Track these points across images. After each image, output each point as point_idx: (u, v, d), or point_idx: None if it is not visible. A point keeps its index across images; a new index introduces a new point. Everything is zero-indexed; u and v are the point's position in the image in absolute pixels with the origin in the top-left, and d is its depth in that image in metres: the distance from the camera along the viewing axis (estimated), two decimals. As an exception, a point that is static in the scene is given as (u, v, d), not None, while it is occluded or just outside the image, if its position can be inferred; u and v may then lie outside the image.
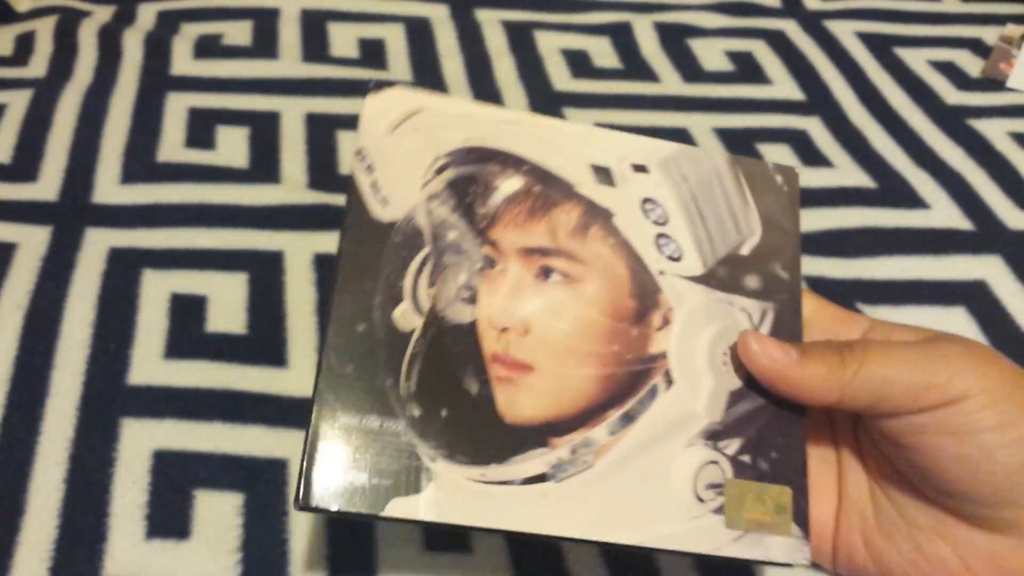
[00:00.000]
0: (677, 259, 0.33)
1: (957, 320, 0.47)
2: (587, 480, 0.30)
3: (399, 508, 0.28)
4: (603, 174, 0.34)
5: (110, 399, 0.40)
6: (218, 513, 0.37)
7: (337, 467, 0.28)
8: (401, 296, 0.31)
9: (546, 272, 0.32)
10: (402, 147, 0.32)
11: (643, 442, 0.31)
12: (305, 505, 0.28)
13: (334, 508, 0.28)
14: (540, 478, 0.30)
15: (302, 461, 0.28)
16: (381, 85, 0.33)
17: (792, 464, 0.32)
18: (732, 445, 0.31)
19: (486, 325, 0.31)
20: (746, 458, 0.31)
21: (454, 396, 0.30)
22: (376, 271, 0.31)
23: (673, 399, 0.31)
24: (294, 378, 0.42)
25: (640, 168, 0.34)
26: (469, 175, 0.33)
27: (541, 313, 0.32)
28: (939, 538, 0.30)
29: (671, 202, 0.34)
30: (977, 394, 0.28)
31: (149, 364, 0.42)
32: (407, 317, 0.31)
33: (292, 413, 0.40)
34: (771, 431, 0.32)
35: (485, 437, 0.30)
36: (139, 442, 0.39)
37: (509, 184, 0.33)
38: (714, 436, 0.31)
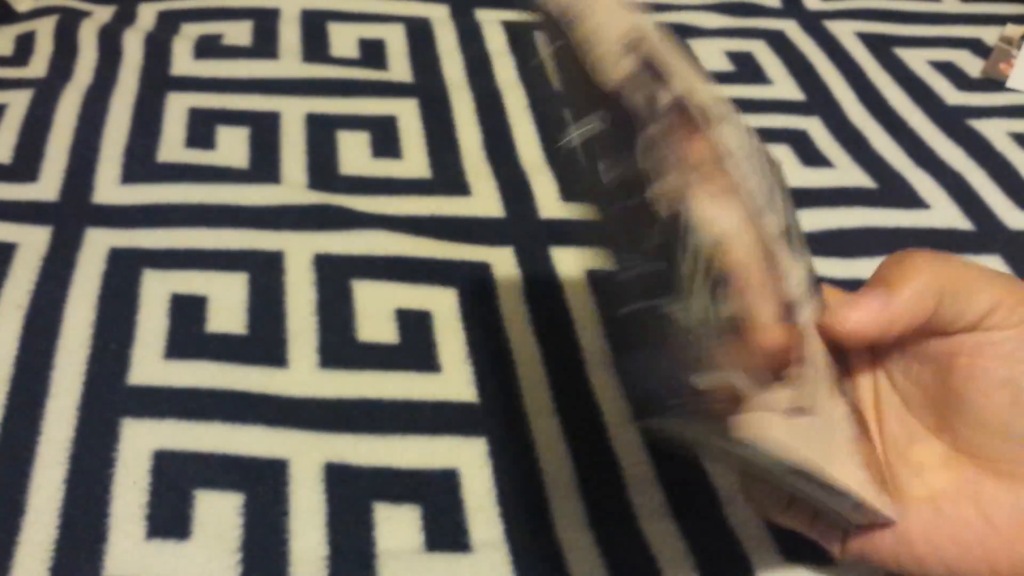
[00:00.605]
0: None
1: (957, 320, 0.47)
2: (812, 417, 0.28)
3: (751, 425, 0.24)
4: (701, 116, 0.30)
5: (110, 399, 0.40)
6: (218, 513, 0.37)
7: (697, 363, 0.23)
8: (648, 178, 0.26)
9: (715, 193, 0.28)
10: (589, 7, 0.28)
11: (816, 383, 0.29)
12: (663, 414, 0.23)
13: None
14: (795, 411, 0.27)
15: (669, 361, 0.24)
16: None
17: (865, 425, 0.31)
18: (844, 403, 0.30)
19: (707, 233, 0.26)
20: (856, 416, 0.31)
21: (715, 307, 0.25)
22: (627, 146, 0.26)
23: (815, 350, 0.30)
24: (294, 378, 0.42)
25: (720, 119, 0.31)
26: (640, 70, 0.28)
27: (733, 230, 0.27)
28: (962, 498, 0.29)
29: (744, 159, 0.31)
30: None
31: (149, 364, 0.42)
32: (662, 202, 0.26)
33: (292, 413, 0.40)
34: (848, 393, 0.31)
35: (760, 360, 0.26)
36: (139, 442, 0.39)
37: (665, 96, 0.28)
38: (840, 390, 0.30)
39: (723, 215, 0.27)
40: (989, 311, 0.29)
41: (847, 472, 0.28)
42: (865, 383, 0.33)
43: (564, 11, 0.28)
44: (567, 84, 0.28)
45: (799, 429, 0.26)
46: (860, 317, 0.30)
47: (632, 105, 0.27)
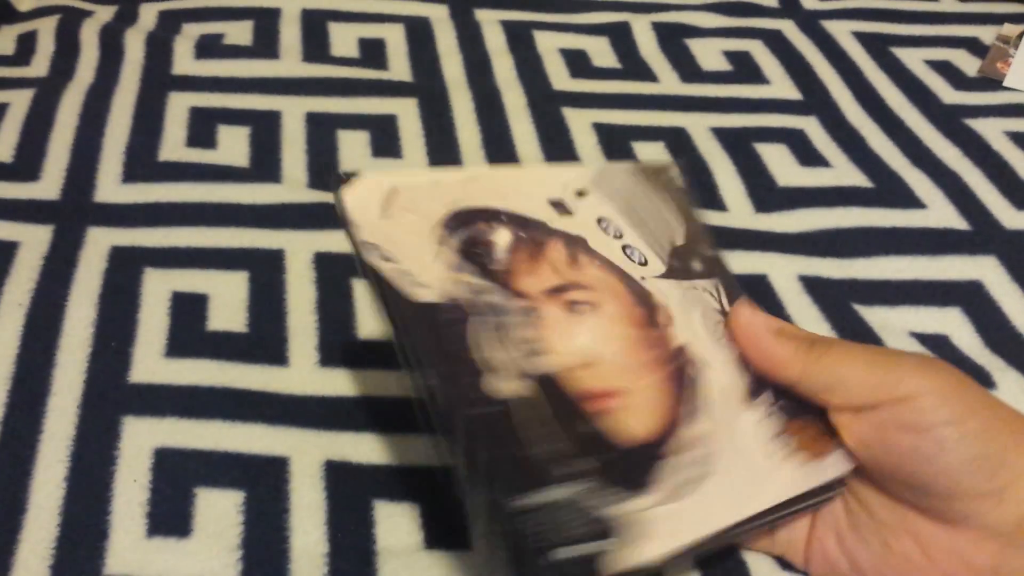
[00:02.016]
0: (645, 263, 0.35)
1: (953, 321, 0.47)
2: (710, 475, 0.31)
3: (611, 562, 0.28)
4: (560, 207, 0.35)
5: (111, 397, 0.41)
6: (219, 511, 0.37)
7: (539, 549, 0.28)
8: (482, 368, 0.30)
9: (573, 305, 0.33)
10: (402, 229, 0.32)
11: (715, 424, 0.33)
12: None
13: None
14: (683, 486, 0.31)
15: (509, 553, 0.28)
16: (347, 176, 0.32)
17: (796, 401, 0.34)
18: (767, 398, 0.34)
19: (561, 369, 0.31)
20: (781, 403, 0.34)
21: (579, 446, 0.30)
22: (447, 355, 0.30)
23: (711, 379, 0.33)
24: (294, 376, 0.42)
25: (581, 193, 0.36)
26: (469, 238, 0.33)
27: (594, 342, 0.32)
28: (905, 534, 0.32)
29: (617, 215, 0.36)
30: (927, 393, 0.30)
31: (150, 362, 0.42)
32: (501, 387, 0.30)
33: (292, 411, 0.41)
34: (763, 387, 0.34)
35: (625, 469, 0.30)
36: (140, 440, 0.39)
37: (502, 236, 0.33)
38: (752, 395, 0.34)
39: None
40: (867, 391, 0.31)
41: (768, 493, 0.32)
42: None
43: (373, 252, 0.31)
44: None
45: (686, 511, 0.30)
46: (749, 318, 0.34)
47: (460, 295, 0.31)
